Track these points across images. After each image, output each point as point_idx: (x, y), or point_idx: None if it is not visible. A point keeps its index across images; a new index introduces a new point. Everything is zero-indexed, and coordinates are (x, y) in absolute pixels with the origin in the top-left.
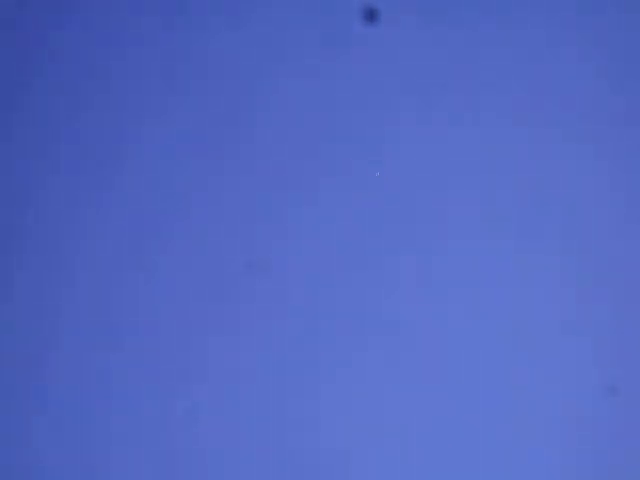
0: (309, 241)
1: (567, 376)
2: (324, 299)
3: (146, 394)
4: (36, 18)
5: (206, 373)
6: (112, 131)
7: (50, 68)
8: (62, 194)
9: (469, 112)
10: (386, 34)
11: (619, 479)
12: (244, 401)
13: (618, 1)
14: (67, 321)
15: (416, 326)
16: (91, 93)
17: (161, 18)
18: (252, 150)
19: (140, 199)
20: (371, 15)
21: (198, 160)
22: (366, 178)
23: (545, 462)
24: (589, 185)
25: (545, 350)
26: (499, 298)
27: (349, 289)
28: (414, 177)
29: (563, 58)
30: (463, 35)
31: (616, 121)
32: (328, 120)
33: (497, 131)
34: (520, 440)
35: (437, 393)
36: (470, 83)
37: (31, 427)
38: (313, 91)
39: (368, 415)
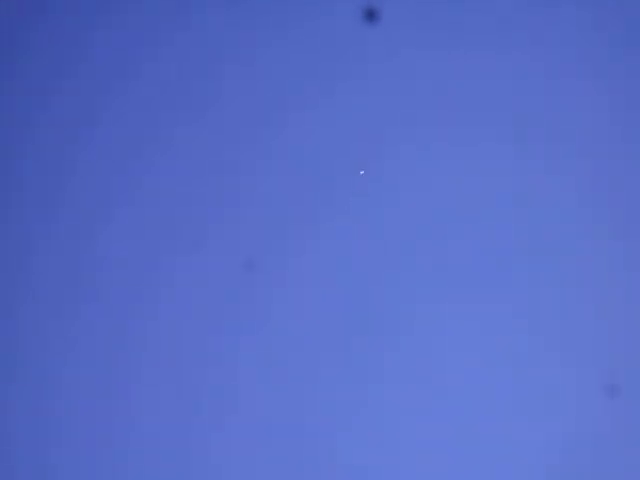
0: (309, 241)
1: (567, 376)
2: (324, 299)
3: (144, 394)
4: (34, 19)
5: (205, 373)
6: (112, 131)
7: (51, 69)
8: (62, 194)
9: (469, 112)
10: (386, 34)
11: (619, 479)
12: (243, 401)
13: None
14: (67, 322)
15: (417, 325)
16: (89, 93)
17: (160, 18)
18: (251, 149)
19: (139, 199)
20: (371, 15)
21: (198, 160)
22: (366, 176)
23: (545, 462)
24: (586, 190)
25: (545, 350)
26: (499, 297)
27: (349, 289)
28: (413, 177)
29: (565, 60)
30: (463, 35)
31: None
32: (327, 120)
33: (496, 130)
34: (520, 440)
35: (436, 392)
36: (470, 83)
37: (38, 432)
38: (312, 91)
39: (368, 415)
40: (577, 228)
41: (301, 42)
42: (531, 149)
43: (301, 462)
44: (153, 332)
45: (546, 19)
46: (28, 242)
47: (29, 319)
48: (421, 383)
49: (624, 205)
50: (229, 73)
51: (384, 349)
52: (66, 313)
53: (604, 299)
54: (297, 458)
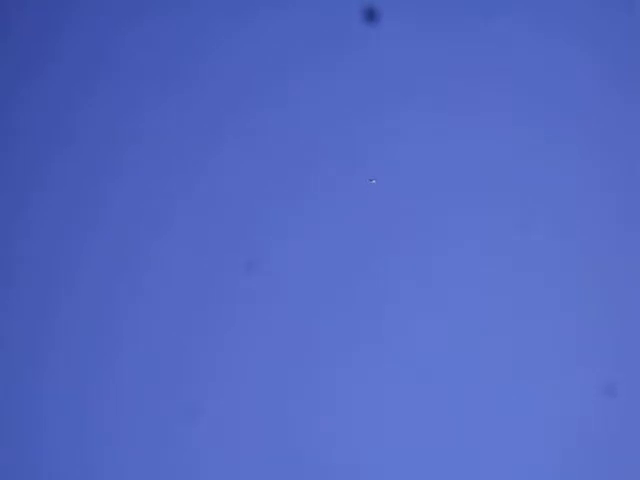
0: (309, 241)
1: (566, 376)
2: (324, 299)
3: (145, 394)
4: (36, 17)
5: (206, 373)
6: (113, 130)
7: (49, 68)
8: (62, 193)
9: (469, 111)
10: (386, 34)
11: (619, 479)
12: (243, 401)
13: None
14: (69, 322)
15: (415, 327)
16: (90, 93)
17: (162, 18)
18: (252, 149)
19: (140, 199)
20: (371, 15)
21: (198, 160)
22: (366, 177)
23: (544, 463)
24: (587, 189)
25: (544, 350)
26: (498, 298)
27: (349, 289)
28: (413, 176)
29: (564, 57)
30: (463, 35)
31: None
32: (328, 120)
33: (497, 130)
34: (519, 440)
35: (436, 392)
36: (470, 83)
37: (29, 427)
38: (313, 91)
39: (368, 416)
40: (577, 228)
41: (301, 42)
42: (534, 145)
43: (299, 462)
44: (153, 332)
45: (546, 17)
46: (28, 242)
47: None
48: (421, 383)
49: (623, 204)
50: (228, 73)
51: (385, 349)
52: (65, 313)
53: (604, 299)
54: (295, 458)
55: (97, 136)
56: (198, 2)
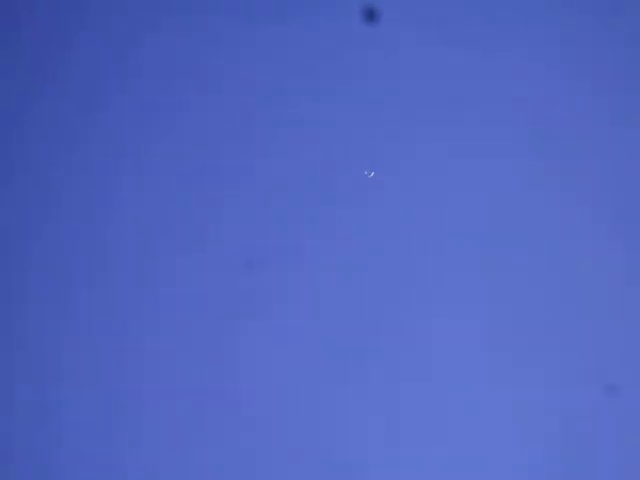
0: (310, 241)
1: (567, 376)
2: (325, 300)
3: (148, 395)
4: (38, 21)
5: (206, 374)
6: (113, 131)
7: (55, 72)
8: (61, 195)
9: (469, 112)
10: (386, 34)
11: (619, 479)
12: (244, 402)
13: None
14: (68, 322)
15: (418, 327)
16: (95, 96)
17: (161, 19)
18: (252, 150)
19: (139, 199)
20: (371, 15)
21: (198, 160)
22: (366, 177)
23: (545, 462)
24: (580, 196)
25: (544, 349)
26: (498, 297)
27: (350, 290)
28: (413, 179)
29: (565, 64)
30: (464, 35)
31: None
32: (327, 120)
33: (497, 132)
34: (520, 440)
35: (436, 392)
36: (471, 83)
37: (38, 427)
38: (312, 91)
39: (370, 417)
40: (577, 227)
41: (300, 42)
42: (534, 148)
43: (298, 463)
44: (152, 332)
45: (548, 22)
46: (26, 241)
47: (29, 318)
48: (419, 383)
49: (624, 207)
50: (229, 72)
51: (384, 349)
52: (65, 314)
53: (604, 298)
54: (295, 459)
55: (102, 140)
56: (197, 5)
